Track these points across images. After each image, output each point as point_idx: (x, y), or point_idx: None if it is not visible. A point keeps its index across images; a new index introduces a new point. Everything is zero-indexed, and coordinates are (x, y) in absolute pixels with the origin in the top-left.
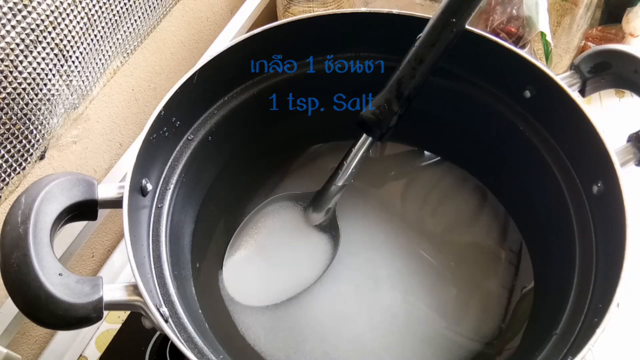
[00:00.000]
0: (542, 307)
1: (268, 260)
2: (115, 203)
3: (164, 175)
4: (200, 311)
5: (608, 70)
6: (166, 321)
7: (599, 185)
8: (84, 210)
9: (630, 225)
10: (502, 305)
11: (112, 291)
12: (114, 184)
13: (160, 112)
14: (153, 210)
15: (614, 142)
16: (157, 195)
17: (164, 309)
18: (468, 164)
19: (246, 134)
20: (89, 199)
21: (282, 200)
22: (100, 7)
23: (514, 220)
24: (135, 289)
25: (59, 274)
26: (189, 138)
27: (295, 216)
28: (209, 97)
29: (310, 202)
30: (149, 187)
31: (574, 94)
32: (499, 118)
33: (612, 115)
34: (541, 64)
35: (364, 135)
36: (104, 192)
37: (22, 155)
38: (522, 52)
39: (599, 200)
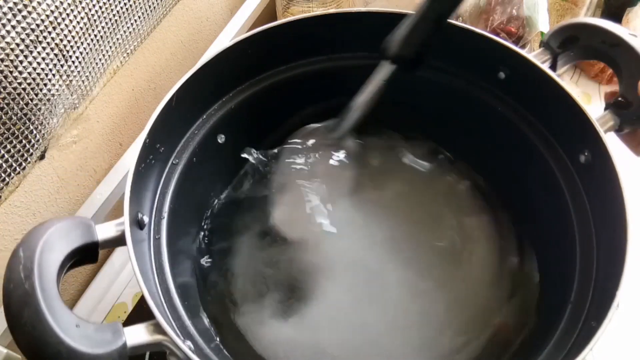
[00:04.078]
0: (542, 307)
1: None
2: (116, 242)
3: (155, 205)
4: (216, 339)
5: (576, 44)
6: (194, 354)
7: (586, 154)
8: (85, 254)
9: (626, 188)
10: (499, 304)
11: (135, 334)
12: (111, 222)
13: (145, 140)
14: (152, 242)
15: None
16: (152, 226)
17: (189, 343)
18: (451, 150)
19: (232, 148)
20: (89, 242)
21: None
22: (100, 7)
23: (507, 209)
24: (157, 327)
25: (76, 325)
26: (174, 162)
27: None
28: (188, 118)
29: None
30: (145, 219)
31: (548, 69)
32: (477, 102)
33: None
34: (511, 44)
35: (385, 64)
36: (102, 232)
37: (22, 155)
38: (491, 35)
39: (588, 168)
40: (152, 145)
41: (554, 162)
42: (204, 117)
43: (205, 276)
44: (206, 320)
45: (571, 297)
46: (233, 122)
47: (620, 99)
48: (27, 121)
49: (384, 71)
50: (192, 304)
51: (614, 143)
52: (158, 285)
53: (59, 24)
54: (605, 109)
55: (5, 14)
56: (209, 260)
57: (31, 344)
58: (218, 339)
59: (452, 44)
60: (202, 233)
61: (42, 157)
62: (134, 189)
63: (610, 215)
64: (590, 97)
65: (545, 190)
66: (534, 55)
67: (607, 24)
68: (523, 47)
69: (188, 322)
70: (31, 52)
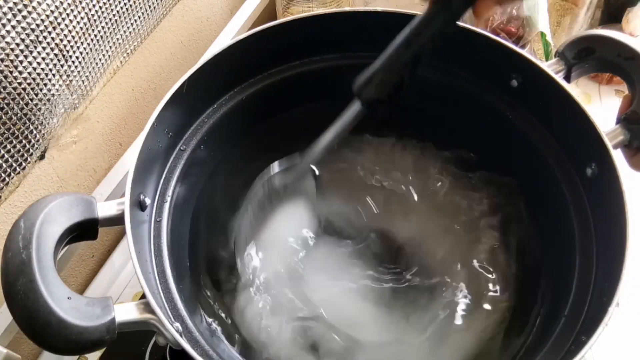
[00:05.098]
0: (536, 319)
1: None
2: (116, 220)
3: (159, 189)
4: (208, 322)
5: (592, 56)
6: (180, 336)
7: (593, 167)
8: (84, 230)
9: (630, 205)
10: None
11: (124, 310)
12: (113, 201)
13: (154, 123)
14: (152, 225)
15: (604, 126)
16: (154, 209)
17: (177, 324)
18: (457, 155)
19: (240, 139)
20: (89, 218)
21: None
22: (100, 7)
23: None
24: (146, 306)
25: (68, 298)
26: (182, 149)
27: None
28: (198, 105)
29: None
30: (147, 201)
31: (561, 80)
32: (487, 108)
33: (612, 114)
34: (525, 52)
35: (356, 103)
36: (103, 210)
37: (22, 155)
38: (506, 42)
39: (593, 181)
40: (160, 129)
41: (560, 172)
42: (215, 106)
43: (203, 261)
44: (199, 305)
45: (565, 310)
46: (243, 114)
47: (631, 113)
48: (27, 121)
49: (354, 112)
50: (188, 288)
51: (621, 158)
52: (154, 267)
53: (59, 24)
54: (617, 123)
55: (5, 14)
56: (209, 246)
57: (23, 312)
58: (209, 323)
59: (465, 48)
60: (204, 220)
61: (42, 157)
62: (139, 170)
63: (611, 232)
64: (590, 97)
65: (549, 200)
66: (548, 65)
67: (623, 37)
68: (523, 47)
69: (180, 305)
70: (31, 52)
